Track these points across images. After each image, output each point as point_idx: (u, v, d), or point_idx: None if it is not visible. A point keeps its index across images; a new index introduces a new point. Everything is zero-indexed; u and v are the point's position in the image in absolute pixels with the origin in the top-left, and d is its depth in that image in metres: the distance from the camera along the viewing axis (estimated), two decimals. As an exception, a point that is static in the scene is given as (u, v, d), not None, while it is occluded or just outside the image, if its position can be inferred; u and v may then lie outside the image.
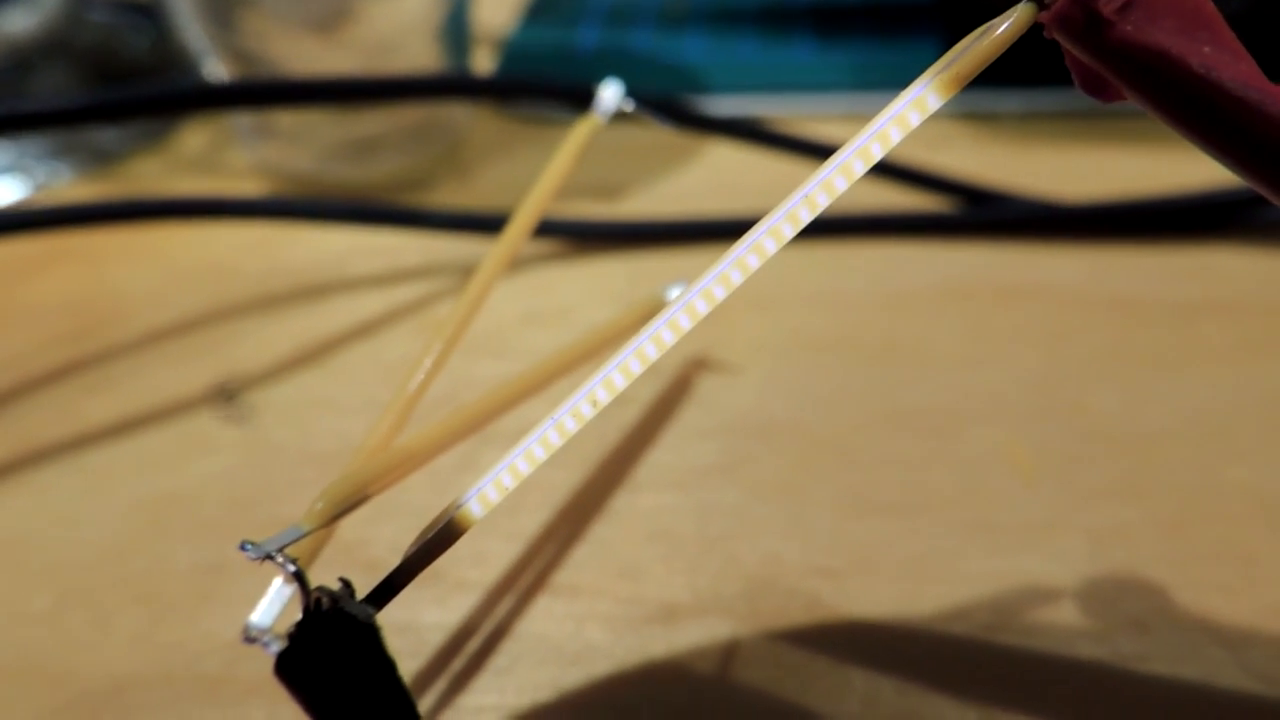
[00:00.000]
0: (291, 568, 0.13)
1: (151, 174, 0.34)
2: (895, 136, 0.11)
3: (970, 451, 0.21)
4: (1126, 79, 0.11)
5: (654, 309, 0.21)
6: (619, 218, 0.29)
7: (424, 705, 0.17)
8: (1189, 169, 0.26)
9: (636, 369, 0.12)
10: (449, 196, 0.31)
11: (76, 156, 0.34)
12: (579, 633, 0.18)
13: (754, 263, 0.12)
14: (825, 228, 0.27)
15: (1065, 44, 0.11)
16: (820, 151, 0.28)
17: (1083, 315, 0.24)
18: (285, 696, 0.13)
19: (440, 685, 0.17)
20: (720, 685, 0.17)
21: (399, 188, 0.32)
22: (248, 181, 0.33)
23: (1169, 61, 0.10)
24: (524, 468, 0.12)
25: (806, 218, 0.12)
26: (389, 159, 0.32)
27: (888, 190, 0.28)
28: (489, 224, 0.27)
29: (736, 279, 0.12)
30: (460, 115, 0.34)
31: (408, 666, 0.17)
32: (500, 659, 0.18)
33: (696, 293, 0.12)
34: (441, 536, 0.13)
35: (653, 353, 0.12)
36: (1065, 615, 0.18)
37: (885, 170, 0.28)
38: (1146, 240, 0.26)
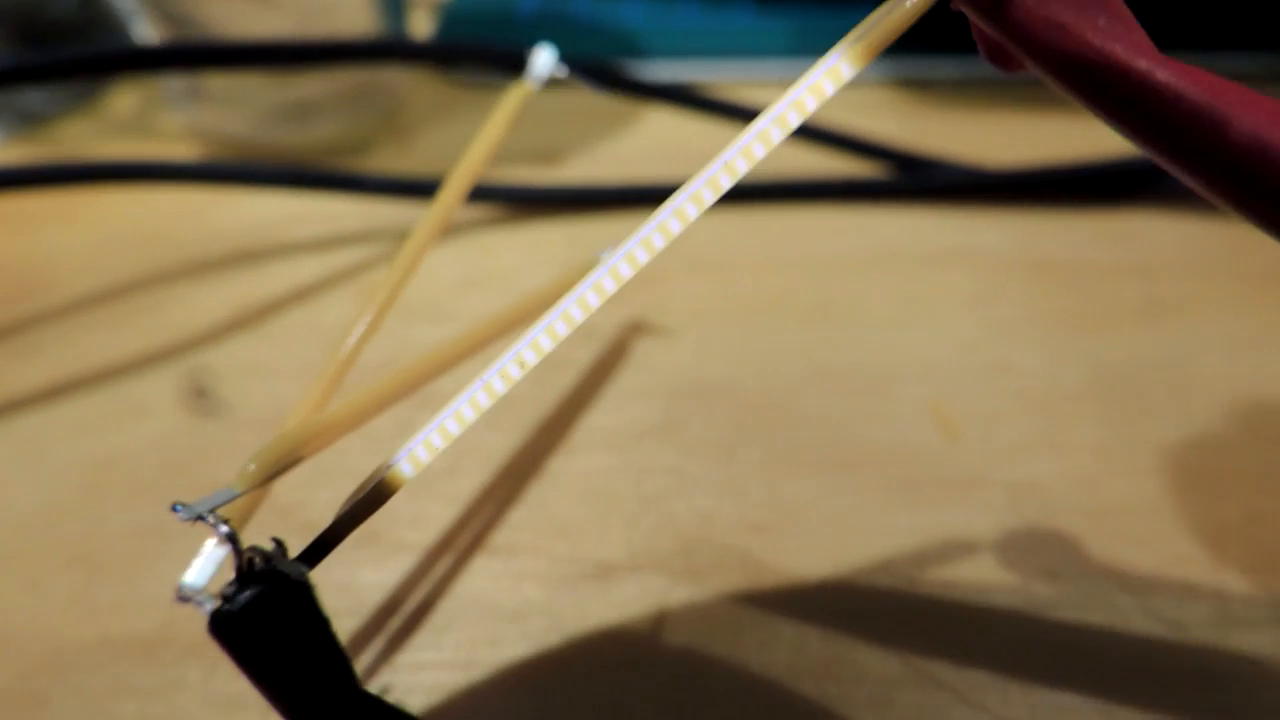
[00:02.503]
0: (224, 529, 0.13)
1: (80, 136, 0.33)
2: (811, 104, 0.12)
3: (898, 410, 0.22)
4: (1027, 50, 0.11)
5: (589, 271, 0.22)
6: (557, 182, 0.29)
7: (362, 663, 0.17)
8: (1110, 136, 0.27)
9: (563, 331, 0.13)
10: (388, 161, 0.31)
11: (2, 118, 0.33)
12: (516, 591, 0.18)
13: (676, 227, 0.12)
14: (759, 193, 0.28)
15: (970, 16, 0.11)
16: (750, 116, 0.28)
17: (1007, 278, 0.25)
18: (223, 657, 0.13)
19: (378, 643, 0.18)
20: (654, 639, 0.17)
21: (336, 152, 0.31)
22: (180, 145, 0.32)
23: (1066, 34, 0.11)
24: (454, 428, 0.13)
25: (726, 183, 0.12)
26: (326, 123, 0.32)
27: (820, 156, 0.29)
28: (427, 189, 0.27)
29: (659, 243, 0.12)
30: (399, 79, 0.33)
31: (345, 625, 0.18)
32: (438, 618, 0.18)
33: (620, 256, 0.12)
34: (373, 496, 0.13)
35: (578, 315, 0.12)
36: (984, 566, 0.18)
37: (818, 136, 0.29)
38: (1068, 205, 0.27)
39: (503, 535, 0.19)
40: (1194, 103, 0.10)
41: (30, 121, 0.33)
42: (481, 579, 0.19)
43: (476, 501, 0.20)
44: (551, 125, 0.31)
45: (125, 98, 0.35)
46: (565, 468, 0.21)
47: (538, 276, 0.26)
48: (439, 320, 0.24)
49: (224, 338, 0.24)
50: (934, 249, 0.26)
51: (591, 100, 0.28)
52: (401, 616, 0.18)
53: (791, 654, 0.17)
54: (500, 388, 0.13)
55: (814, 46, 0.35)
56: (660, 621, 0.18)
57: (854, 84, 0.36)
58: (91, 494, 0.20)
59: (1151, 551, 0.18)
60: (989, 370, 0.23)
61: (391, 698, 0.16)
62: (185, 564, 0.19)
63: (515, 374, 0.13)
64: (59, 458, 0.21)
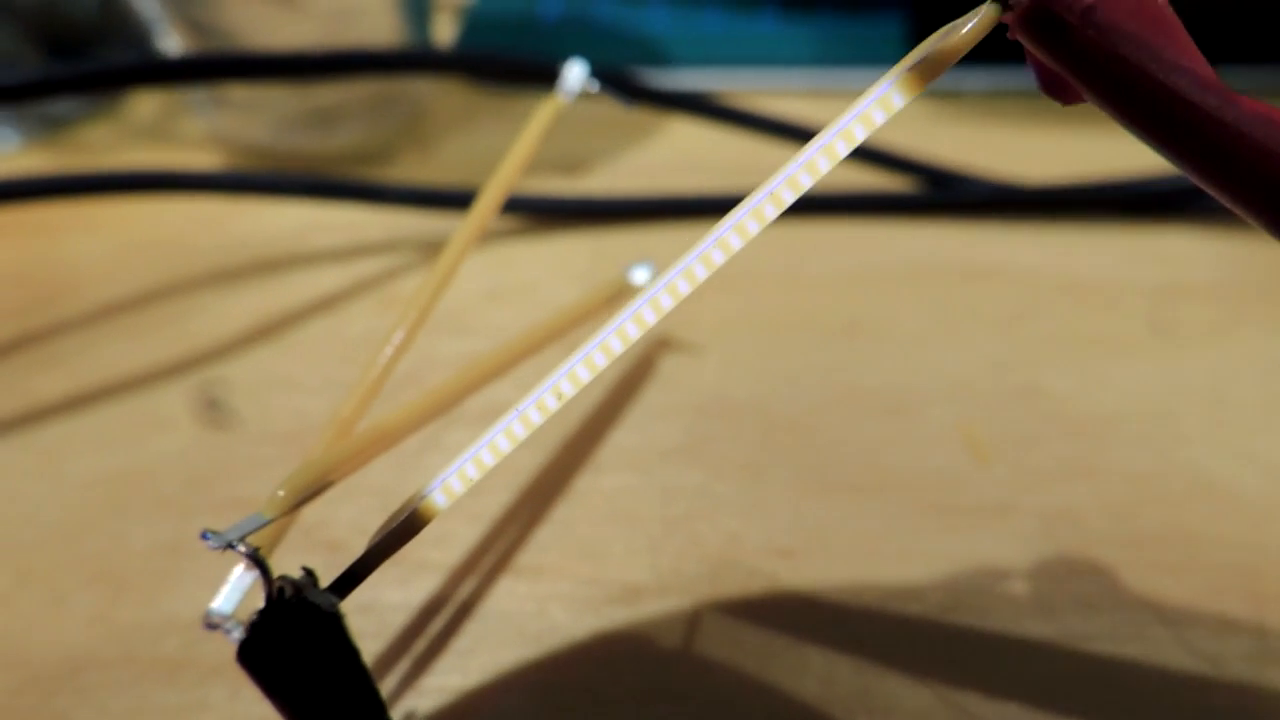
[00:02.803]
0: (254, 556, 0.13)
1: (102, 142, 0.33)
2: (860, 134, 0.12)
3: (927, 432, 0.21)
4: (1088, 83, 0.11)
5: (618, 291, 0.21)
6: (582, 194, 0.28)
7: (386, 686, 0.17)
8: (1144, 151, 0.27)
9: (601, 363, 0.12)
10: (410, 169, 0.31)
11: (25, 123, 0.33)
12: (541, 613, 0.18)
13: (719, 258, 0.12)
14: (790, 207, 0.28)
15: (1028, 45, 0.11)
16: (784, 130, 0.28)
17: (1040, 296, 0.25)
18: (246, 680, 0.13)
19: (403, 666, 0.17)
20: (681, 665, 0.17)
21: (358, 160, 0.31)
22: (201, 151, 0.32)
23: (1130, 67, 0.10)
24: (488, 459, 0.12)
25: (772, 213, 0.12)
26: (348, 130, 0.31)
27: (849, 169, 0.28)
28: (451, 200, 0.27)
29: (718, 259, 0.12)
30: (422, 86, 0.33)
31: (370, 647, 0.18)
32: (463, 640, 0.18)
33: (661, 287, 0.12)
34: (405, 527, 0.13)
35: (618, 347, 0.12)
36: (1016, 595, 0.18)
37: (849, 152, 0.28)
38: (1104, 222, 0.27)
39: (528, 556, 0.19)
40: (1262, 143, 0.10)
41: (52, 126, 0.33)
42: (506, 600, 0.18)
43: (501, 520, 0.20)
44: (575, 135, 0.31)
45: (146, 103, 0.35)
46: (590, 487, 0.20)
47: (562, 289, 0.26)
48: (462, 333, 0.24)
49: (246, 349, 0.24)
50: (964, 266, 0.26)
51: (614, 109, 0.28)
52: (426, 639, 0.18)
53: (821, 684, 0.17)
54: (536, 418, 0.12)
55: (839, 56, 0.35)
56: (687, 647, 0.17)
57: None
58: (114, 508, 0.20)
59: (1188, 583, 0.18)
60: (1020, 392, 0.22)
61: (417, 724, 0.16)
62: (208, 583, 0.19)
63: (552, 405, 0.12)
64: (81, 471, 0.21)
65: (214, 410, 0.22)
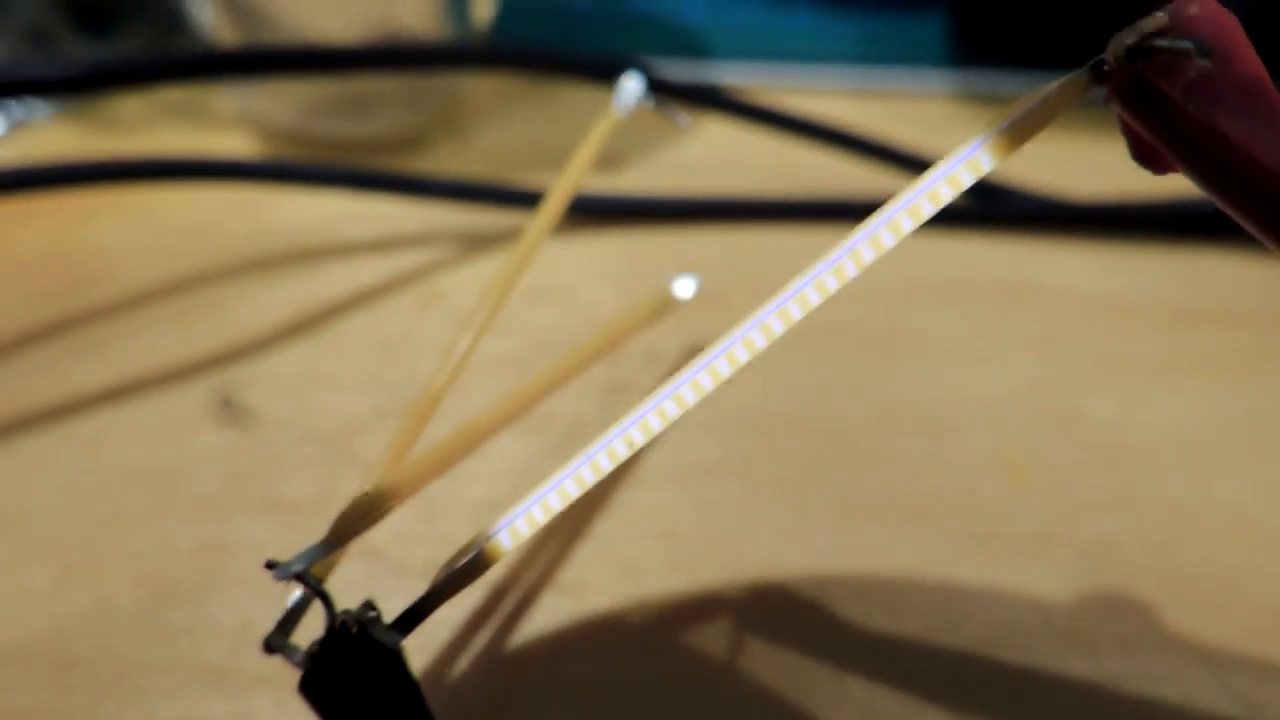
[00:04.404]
0: (317, 589, 0.13)
1: (134, 117, 0.33)
2: (947, 194, 0.11)
3: (966, 455, 0.21)
4: (1184, 158, 0.11)
5: (662, 304, 0.21)
6: (620, 192, 0.28)
7: (430, 701, 0.17)
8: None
9: (691, 400, 0.12)
10: (445, 159, 0.31)
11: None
12: (584, 633, 0.18)
13: (815, 298, 0.12)
14: (829, 214, 0.27)
15: (1124, 116, 0.11)
16: (825, 135, 0.28)
17: (1082, 317, 0.25)
18: (293, 690, 0.13)
19: (446, 682, 0.17)
20: (721, 690, 0.17)
21: (392, 147, 0.31)
22: (233, 132, 0.32)
23: (1231, 146, 0.10)
24: (556, 503, 0.12)
25: (852, 270, 0.12)
26: (384, 117, 0.31)
27: (891, 179, 0.28)
28: (491, 194, 0.27)
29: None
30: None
31: (414, 661, 0.18)
32: (506, 655, 0.18)
33: (752, 327, 0.12)
34: (470, 567, 0.13)
35: (675, 412, 0.12)
36: (1056, 630, 0.18)
37: (884, 154, 0.28)
38: (1151, 242, 0.27)
39: (570, 573, 0.19)
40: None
41: (81, 100, 0.33)
42: (549, 617, 0.18)
43: (543, 536, 0.20)
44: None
45: (180, 78, 0.34)
46: (631, 502, 0.20)
47: (601, 292, 0.26)
48: (502, 336, 0.24)
49: (284, 343, 0.24)
50: (1006, 281, 0.26)
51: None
52: (469, 655, 0.18)
53: (862, 714, 0.17)
54: (606, 465, 0.12)
55: (880, 54, 0.34)
56: (728, 673, 0.18)
57: (922, 97, 0.36)
58: (157, 506, 0.20)
59: (1231, 623, 0.18)
60: (1061, 418, 0.22)
61: (461, 741, 0.16)
62: (253, 587, 0.19)
63: (622, 452, 0.12)
64: (123, 464, 0.21)
65: (229, 409, 0.22)
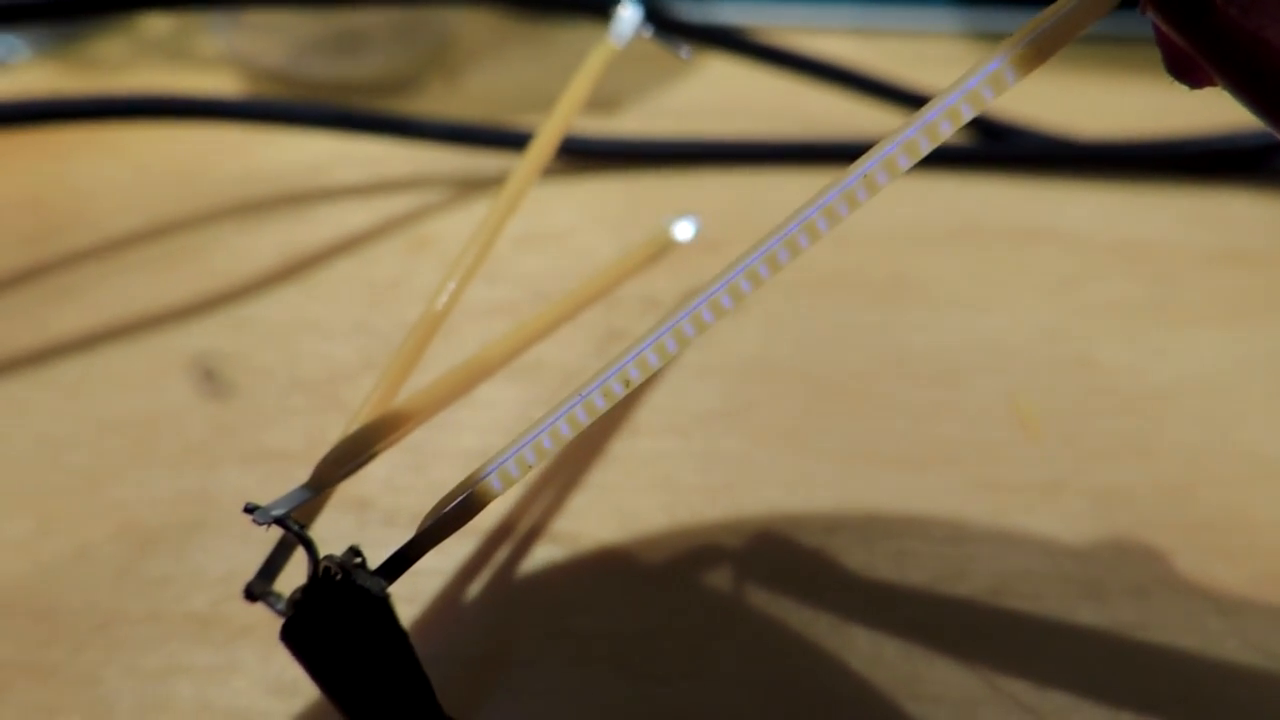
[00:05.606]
0: (300, 535, 0.12)
1: (115, 57, 0.32)
2: (967, 112, 0.11)
3: (976, 402, 0.21)
4: (1221, 67, 0.10)
5: (660, 246, 0.21)
6: (616, 135, 0.27)
7: (419, 652, 0.17)
8: (1210, 107, 0.26)
9: (691, 333, 0.11)
10: (436, 101, 0.30)
11: (36, 34, 0.31)
12: (579, 584, 0.18)
13: (824, 226, 0.11)
14: (832, 155, 0.27)
15: (1161, 24, 0.10)
16: (828, 73, 0.27)
17: (1093, 260, 0.24)
18: (277, 640, 0.13)
19: (437, 633, 0.17)
20: (722, 647, 0.17)
21: (382, 89, 0.30)
22: (217, 72, 0.31)
23: (1272, 51, 0.09)
24: (548, 445, 0.12)
25: (864, 196, 0.11)
26: (372, 57, 0.30)
27: (894, 116, 0.27)
28: (482, 137, 0.26)
29: (805, 243, 0.11)
30: (449, 11, 0.32)
31: (404, 612, 0.17)
32: (498, 607, 0.17)
33: (741, 271, 0.11)
34: (460, 510, 0.12)
35: (690, 332, 0.11)
36: (1067, 579, 0.18)
37: (890, 94, 0.27)
38: (1163, 181, 0.26)
39: (565, 522, 0.19)
40: None
41: (64, 38, 0.32)
42: (543, 568, 0.18)
43: (537, 484, 0.19)
44: (607, 70, 0.30)
45: (161, 18, 0.33)
46: (628, 451, 0.20)
47: (596, 237, 0.25)
48: (494, 281, 0.23)
49: (270, 289, 0.24)
50: (1015, 224, 0.25)
51: (648, 44, 0.27)
52: (461, 605, 0.17)
53: (867, 666, 0.16)
54: (601, 404, 0.12)
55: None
56: (728, 626, 0.17)
57: (928, 35, 0.34)
58: (138, 454, 0.20)
59: (1248, 569, 0.18)
60: (1072, 363, 0.21)
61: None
62: (236, 537, 0.18)
63: (618, 391, 0.12)
64: (103, 412, 0.21)
65: (211, 382, 0.21)
